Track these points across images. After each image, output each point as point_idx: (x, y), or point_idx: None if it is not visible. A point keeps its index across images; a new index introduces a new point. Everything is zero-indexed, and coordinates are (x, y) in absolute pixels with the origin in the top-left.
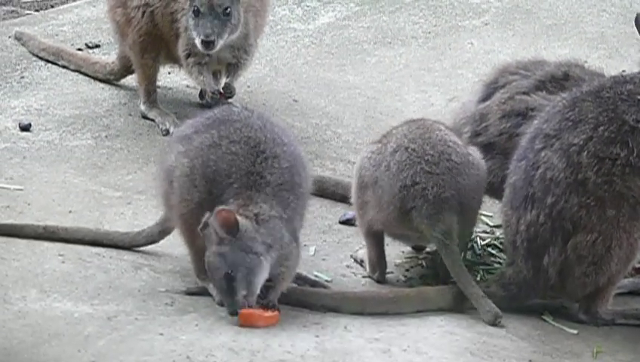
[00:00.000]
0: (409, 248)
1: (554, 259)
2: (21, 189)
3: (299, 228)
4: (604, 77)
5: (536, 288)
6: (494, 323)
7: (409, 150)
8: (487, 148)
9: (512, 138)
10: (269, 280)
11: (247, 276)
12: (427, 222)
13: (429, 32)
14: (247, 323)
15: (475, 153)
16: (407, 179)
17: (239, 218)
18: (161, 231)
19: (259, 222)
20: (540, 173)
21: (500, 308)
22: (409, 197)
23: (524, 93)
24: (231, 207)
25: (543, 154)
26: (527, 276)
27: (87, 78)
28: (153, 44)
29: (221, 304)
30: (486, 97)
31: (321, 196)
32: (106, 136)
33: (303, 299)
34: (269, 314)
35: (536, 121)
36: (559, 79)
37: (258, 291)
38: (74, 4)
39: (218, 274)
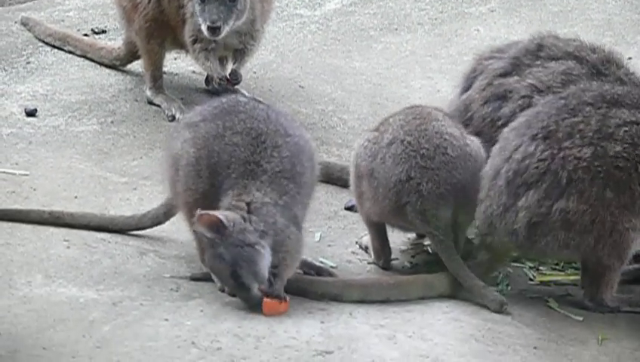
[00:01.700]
0: (414, 234)
1: (529, 204)
2: (27, 174)
3: (302, 216)
4: (579, 41)
5: (499, 231)
6: (501, 310)
7: (404, 143)
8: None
9: (494, 123)
10: (273, 267)
11: (251, 267)
12: (421, 218)
13: (436, 19)
14: (271, 312)
15: (474, 143)
16: (402, 173)
17: (226, 213)
18: (166, 213)
19: (251, 210)
20: (573, 120)
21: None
22: (404, 192)
23: (500, 75)
24: (227, 199)
25: (587, 109)
26: (494, 213)
27: (93, 64)
28: (159, 29)
29: (223, 290)
30: (467, 88)
31: (327, 182)
32: (112, 122)
33: (304, 288)
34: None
35: (606, 86)
36: (533, 51)
37: (267, 277)
38: None
39: (223, 275)
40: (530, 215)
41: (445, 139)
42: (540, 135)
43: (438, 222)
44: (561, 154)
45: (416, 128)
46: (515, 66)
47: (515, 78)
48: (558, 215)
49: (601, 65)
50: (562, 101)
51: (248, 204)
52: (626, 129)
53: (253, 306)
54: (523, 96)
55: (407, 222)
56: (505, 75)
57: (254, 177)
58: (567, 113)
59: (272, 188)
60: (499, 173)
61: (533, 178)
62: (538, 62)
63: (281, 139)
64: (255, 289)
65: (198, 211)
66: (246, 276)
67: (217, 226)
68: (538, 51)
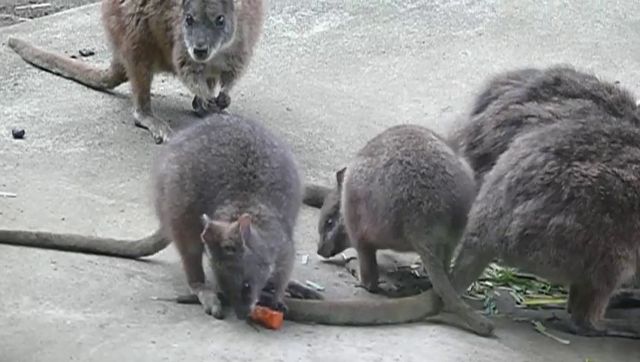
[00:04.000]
0: (401, 258)
1: (525, 213)
2: (14, 196)
3: (292, 227)
4: (596, 79)
5: (489, 235)
6: (488, 333)
7: (403, 163)
8: (483, 160)
9: (504, 147)
10: (268, 283)
11: (259, 285)
12: (416, 234)
13: (423, 42)
14: (279, 325)
15: (464, 163)
16: (404, 193)
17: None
18: (155, 244)
19: (260, 224)
20: (587, 148)
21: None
22: (404, 211)
23: (517, 102)
24: (229, 208)
25: (603, 140)
26: (488, 216)
27: (80, 86)
28: (147, 52)
29: (209, 312)
30: (479, 109)
31: (314, 205)
32: (100, 144)
33: (291, 310)
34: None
35: (625, 123)
36: (551, 84)
37: None
38: (68, 11)
39: (234, 286)
40: (524, 224)
41: (443, 158)
42: (553, 149)
43: (431, 239)
44: (568, 170)
45: (414, 148)
46: (532, 97)
47: (533, 103)
48: (553, 230)
49: (617, 106)
50: (580, 125)
51: (257, 217)
52: (637, 166)
53: (244, 318)
54: (542, 120)
55: (403, 241)
56: (521, 103)
57: (252, 189)
58: (583, 138)
59: (271, 201)
60: (502, 178)
61: (535, 188)
62: (555, 98)
63: (269, 150)
64: (254, 304)
65: (244, 215)
66: (254, 292)
67: (248, 234)
68: (555, 85)
